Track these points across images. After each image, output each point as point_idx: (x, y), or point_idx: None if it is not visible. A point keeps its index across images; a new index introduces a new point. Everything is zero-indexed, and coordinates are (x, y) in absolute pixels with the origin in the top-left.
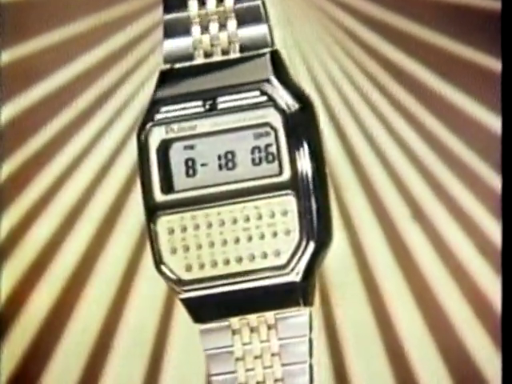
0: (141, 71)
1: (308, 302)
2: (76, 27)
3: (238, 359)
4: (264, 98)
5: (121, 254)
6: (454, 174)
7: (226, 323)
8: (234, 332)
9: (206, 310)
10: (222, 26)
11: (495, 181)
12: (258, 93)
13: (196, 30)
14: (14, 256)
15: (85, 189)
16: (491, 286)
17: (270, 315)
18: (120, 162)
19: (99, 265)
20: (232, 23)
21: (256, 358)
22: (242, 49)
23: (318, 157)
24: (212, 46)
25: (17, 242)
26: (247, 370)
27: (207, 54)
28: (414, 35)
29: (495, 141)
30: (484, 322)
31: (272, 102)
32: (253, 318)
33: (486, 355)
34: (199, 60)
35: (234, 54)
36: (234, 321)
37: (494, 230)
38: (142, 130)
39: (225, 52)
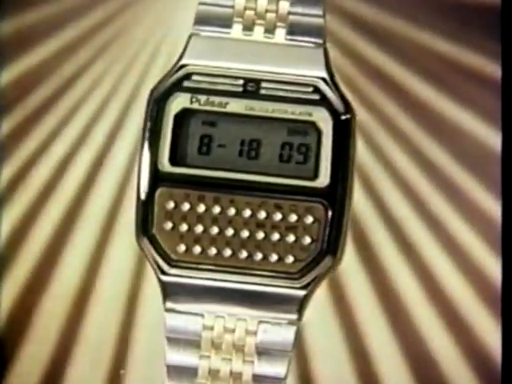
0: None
1: (301, 317)
2: None
3: (202, 356)
4: (316, 97)
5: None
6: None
7: (199, 317)
8: (204, 326)
9: (185, 295)
10: (273, 1)
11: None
12: (310, 89)
13: None
14: (13, 202)
15: (76, 140)
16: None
17: (252, 320)
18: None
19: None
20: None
21: (224, 359)
22: (289, 33)
23: (353, 170)
24: (255, 16)
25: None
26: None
27: (246, 28)
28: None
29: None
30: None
31: (326, 102)
32: (231, 319)
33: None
34: (236, 31)
35: (278, 37)
36: (209, 315)
37: None
38: (162, 91)
39: (268, 31)
